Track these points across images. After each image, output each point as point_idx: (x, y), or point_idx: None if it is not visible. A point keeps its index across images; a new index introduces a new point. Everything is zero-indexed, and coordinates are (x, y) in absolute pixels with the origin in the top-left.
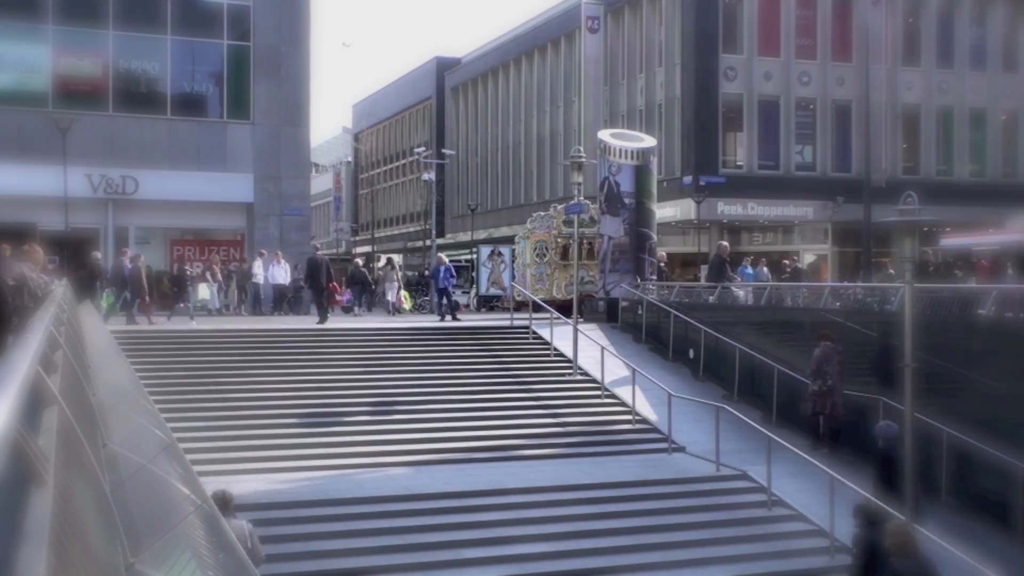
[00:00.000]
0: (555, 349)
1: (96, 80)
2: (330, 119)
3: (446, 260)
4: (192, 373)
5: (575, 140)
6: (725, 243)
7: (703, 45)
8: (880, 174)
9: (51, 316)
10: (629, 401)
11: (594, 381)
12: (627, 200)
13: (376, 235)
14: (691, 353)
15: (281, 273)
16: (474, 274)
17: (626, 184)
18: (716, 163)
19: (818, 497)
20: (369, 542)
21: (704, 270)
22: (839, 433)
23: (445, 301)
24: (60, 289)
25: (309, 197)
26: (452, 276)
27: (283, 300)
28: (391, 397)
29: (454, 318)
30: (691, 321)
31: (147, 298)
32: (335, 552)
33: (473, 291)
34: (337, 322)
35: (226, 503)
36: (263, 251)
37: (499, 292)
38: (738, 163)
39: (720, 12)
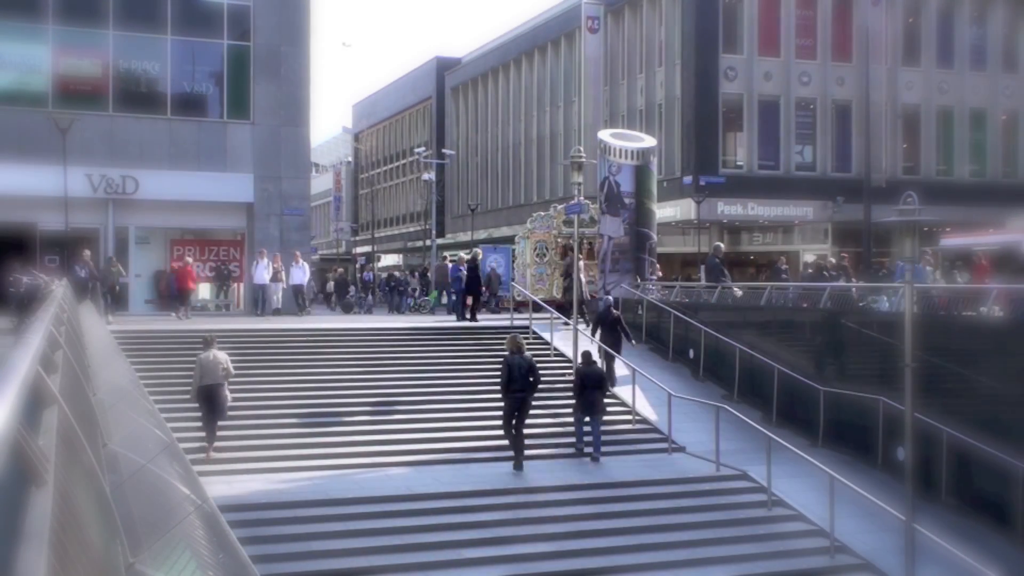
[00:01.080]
0: (555, 349)
1: (96, 80)
2: (330, 119)
3: (465, 258)
4: (192, 373)
5: (575, 140)
6: (720, 244)
7: (703, 45)
8: (880, 174)
9: (51, 316)
10: (629, 401)
11: None
12: (627, 200)
13: (376, 235)
14: (691, 353)
15: (299, 274)
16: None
17: (626, 184)
18: (716, 163)
19: (818, 497)
20: (369, 542)
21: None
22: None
23: (468, 301)
24: (60, 289)
25: (309, 197)
26: (460, 278)
27: (299, 299)
28: (391, 397)
29: (473, 318)
30: (691, 321)
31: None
32: (335, 552)
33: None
34: (337, 322)
35: (209, 342)
36: (263, 250)
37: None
38: (738, 163)
39: (720, 12)
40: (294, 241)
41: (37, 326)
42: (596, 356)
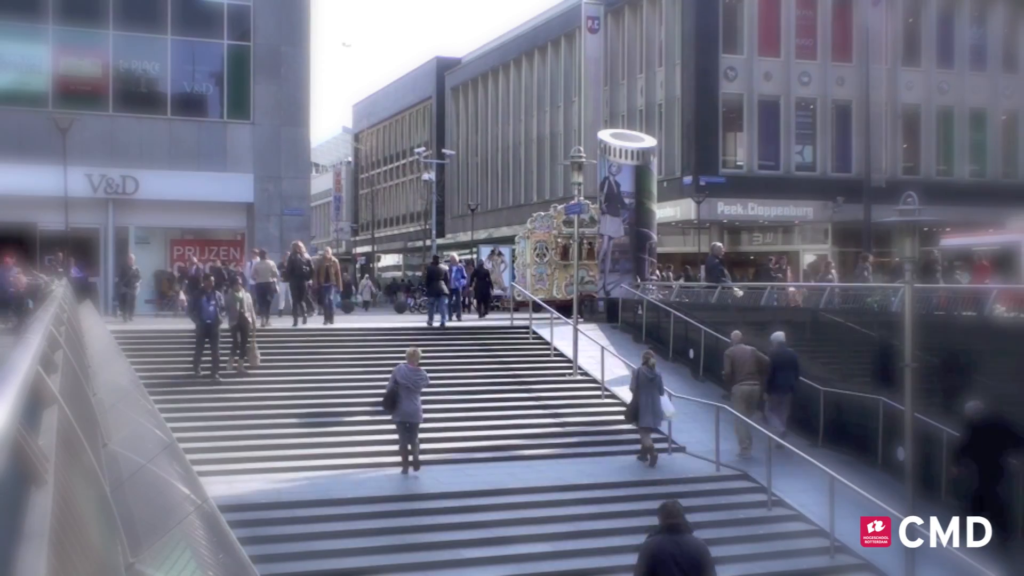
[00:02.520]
0: (555, 349)
1: (96, 80)
2: (330, 119)
3: (457, 259)
4: (192, 373)
5: (575, 140)
6: (719, 244)
7: (703, 45)
8: (880, 174)
9: (51, 316)
10: (629, 401)
11: (594, 381)
12: (627, 200)
13: (376, 235)
14: (691, 353)
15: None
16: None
17: (626, 184)
18: (716, 163)
19: (818, 497)
20: (369, 542)
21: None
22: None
23: (454, 300)
24: (60, 289)
25: (309, 197)
26: (463, 276)
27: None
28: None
29: (458, 318)
30: (691, 321)
31: None
32: (335, 552)
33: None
34: (337, 322)
35: (263, 254)
36: (256, 250)
37: (499, 292)
38: (738, 163)
39: (720, 12)
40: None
41: (37, 326)
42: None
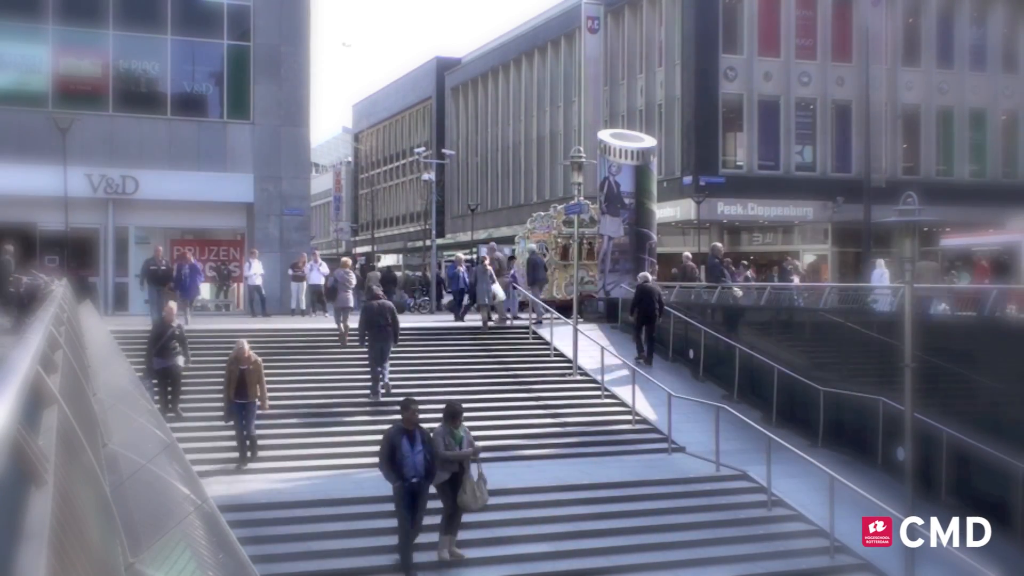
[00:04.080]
0: (555, 349)
1: (96, 80)
2: (330, 119)
3: (464, 259)
4: (192, 373)
5: (575, 140)
6: (719, 244)
7: (703, 45)
8: (880, 174)
9: (51, 316)
10: (629, 401)
11: (594, 381)
12: (627, 200)
13: (376, 235)
14: (691, 353)
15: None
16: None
17: (626, 184)
18: (716, 163)
19: (818, 497)
20: (369, 542)
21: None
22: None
23: (466, 301)
24: (60, 289)
25: (309, 197)
26: (459, 278)
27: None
28: (391, 397)
29: (460, 318)
30: (691, 321)
31: None
32: (335, 552)
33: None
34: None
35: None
36: (255, 250)
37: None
38: (738, 163)
39: (720, 12)
40: (294, 241)
41: (37, 326)
42: None
